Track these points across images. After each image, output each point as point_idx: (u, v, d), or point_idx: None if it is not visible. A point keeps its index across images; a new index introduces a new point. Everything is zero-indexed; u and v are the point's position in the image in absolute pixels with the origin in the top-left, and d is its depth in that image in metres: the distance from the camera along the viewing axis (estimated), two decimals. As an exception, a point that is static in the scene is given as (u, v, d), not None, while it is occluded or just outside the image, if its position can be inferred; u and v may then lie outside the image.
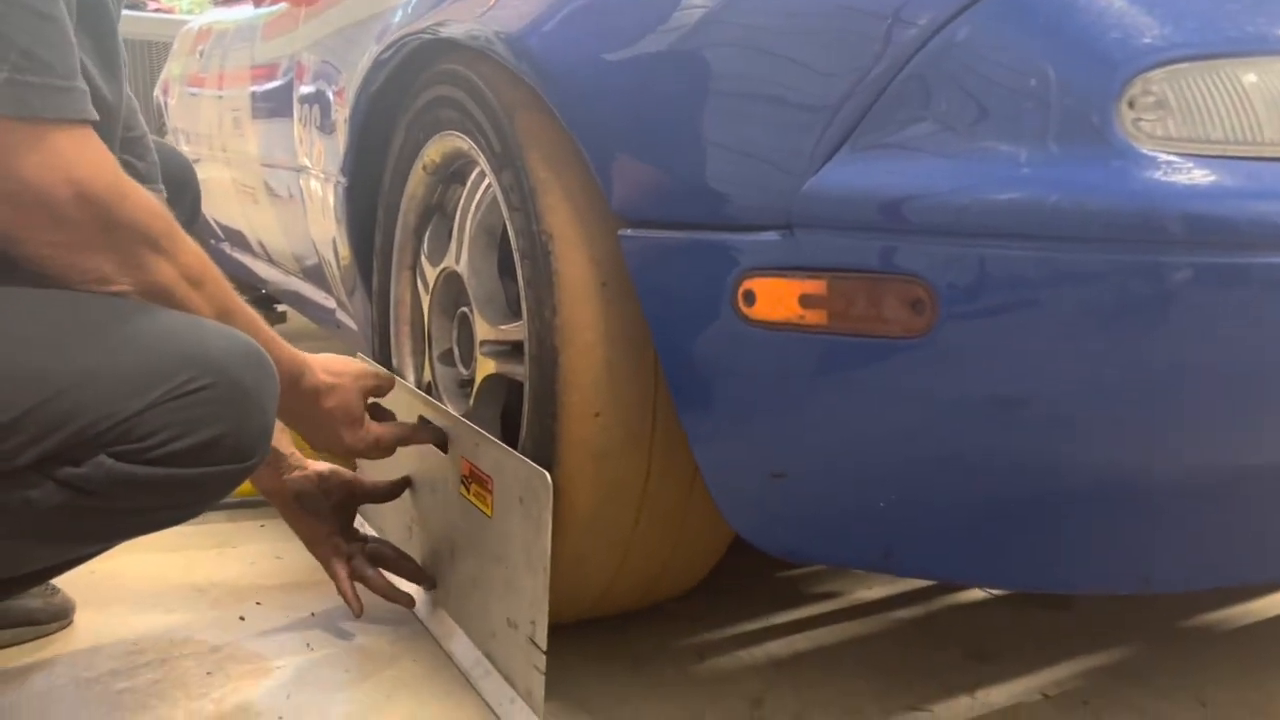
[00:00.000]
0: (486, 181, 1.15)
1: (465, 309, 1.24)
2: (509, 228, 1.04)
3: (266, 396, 0.90)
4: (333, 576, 1.20)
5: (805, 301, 0.81)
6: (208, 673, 1.11)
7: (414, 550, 1.27)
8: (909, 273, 0.76)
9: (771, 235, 0.82)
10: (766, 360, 0.85)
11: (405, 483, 1.28)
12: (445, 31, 1.14)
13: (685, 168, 0.87)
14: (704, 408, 0.90)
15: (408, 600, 1.21)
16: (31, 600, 1.19)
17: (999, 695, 1.09)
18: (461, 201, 1.20)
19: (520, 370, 1.09)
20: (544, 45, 0.97)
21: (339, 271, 1.65)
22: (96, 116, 0.85)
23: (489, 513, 1.07)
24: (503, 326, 1.13)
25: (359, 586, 1.21)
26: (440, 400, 1.29)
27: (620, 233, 0.93)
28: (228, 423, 0.86)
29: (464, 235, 1.19)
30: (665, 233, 0.90)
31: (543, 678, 0.97)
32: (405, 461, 1.29)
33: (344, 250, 1.56)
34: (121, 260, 0.86)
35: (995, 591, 1.35)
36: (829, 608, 1.30)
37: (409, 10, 1.26)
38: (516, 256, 1.03)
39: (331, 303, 1.84)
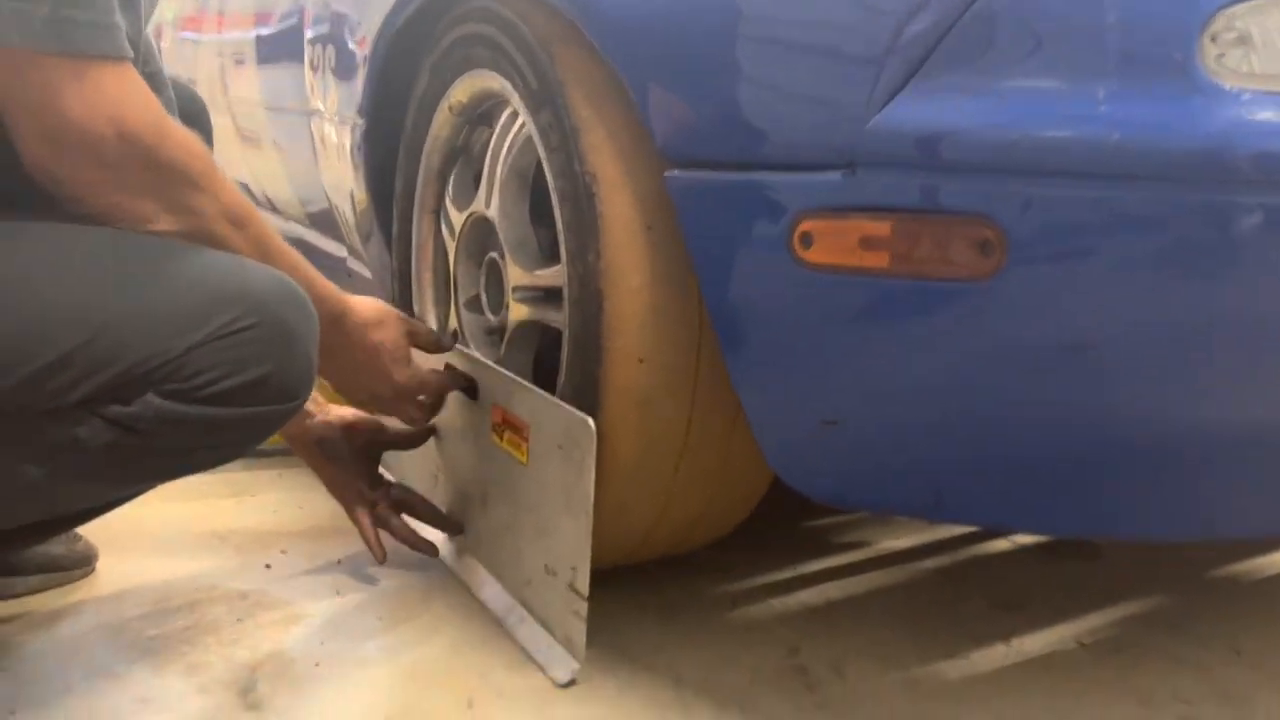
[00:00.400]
0: (520, 122, 1.13)
1: (494, 254, 1.21)
2: (547, 169, 1.02)
3: (309, 337, 0.88)
4: (356, 523, 1.19)
5: (866, 244, 0.79)
6: (238, 619, 1.10)
7: (440, 498, 1.26)
8: (978, 213, 0.74)
9: (832, 175, 0.80)
10: (822, 304, 0.83)
11: (430, 430, 1.27)
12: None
13: (739, 105, 0.85)
14: (753, 354, 0.89)
15: (431, 548, 1.21)
16: (55, 546, 1.17)
17: (1033, 644, 1.09)
18: (491, 143, 1.17)
19: (556, 316, 1.08)
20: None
21: (354, 218, 1.62)
22: (133, 54, 0.83)
23: (524, 460, 1.05)
24: (538, 272, 1.11)
25: (383, 534, 1.20)
26: (468, 347, 1.27)
27: (666, 174, 0.91)
28: (274, 362, 0.85)
29: (494, 178, 1.17)
30: (716, 174, 0.87)
31: (584, 624, 0.96)
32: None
33: (360, 195, 1.53)
34: (163, 200, 0.84)
35: (1022, 541, 1.35)
36: (857, 557, 1.30)
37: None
38: (555, 199, 1.01)
39: (342, 251, 1.81)
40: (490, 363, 1.13)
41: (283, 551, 1.28)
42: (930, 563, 1.29)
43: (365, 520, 1.18)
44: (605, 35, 0.93)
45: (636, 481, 1.00)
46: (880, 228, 0.79)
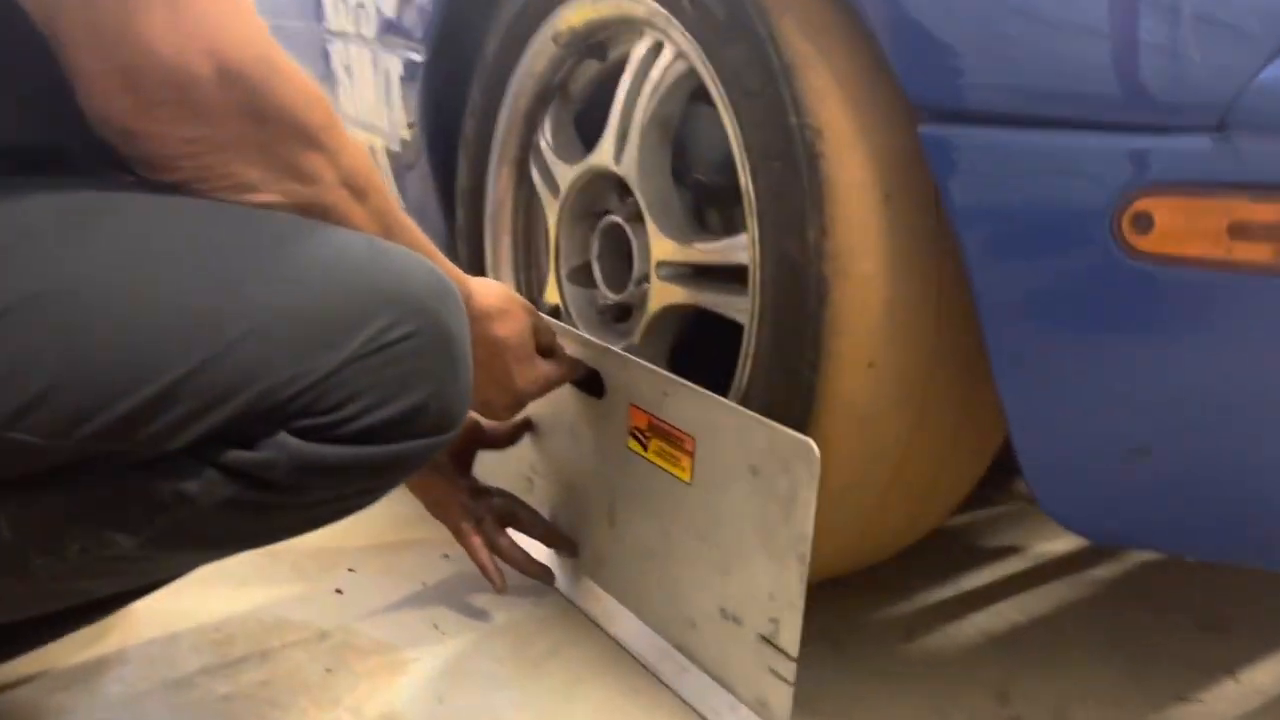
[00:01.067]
0: (665, 59, 0.91)
1: (616, 219, 1.00)
2: (733, 121, 0.81)
3: (467, 343, 0.67)
4: (466, 545, 0.98)
5: (1238, 231, 0.61)
6: (327, 669, 0.90)
7: (538, 507, 1.06)
8: None
9: (1192, 140, 0.61)
10: (1157, 308, 0.65)
11: (527, 423, 1.06)
12: None
13: (1042, 41, 0.65)
14: (1040, 367, 0.70)
15: (548, 574, 1.01)
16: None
17: (1264, 678, 0.95)
18: (627, 84, 0.95)
19: (728, 303, 0.87)
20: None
21: (386, 160, 1.38)
22: None
23: (686, 478, 0.86)
24: (699, 245, 0.90)
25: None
26: (574, 327, 1.06)
27: (922, 129, 0.71)
28: (434, 382, 0.64)
29: (629, 127, 0.95)
30: (1000, 131, 0.68)
31: (789, 689, 0.78)
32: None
33: (405, 134, 1.29)
34: (273, 162, 0.62)
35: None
36: (1019, 566, 1.14)
37: None
38: (744, 158, 0.80)
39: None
40: (627, 354, 0.93)
41: (351, 570, 1.07)
42: (1100, 571, 1.14)
43: (476, 543, 0.98)
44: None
45: (842, 506, 0.82)
46: (1262, 211, 0.60)
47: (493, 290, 0.84)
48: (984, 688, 0.91)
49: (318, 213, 0.64)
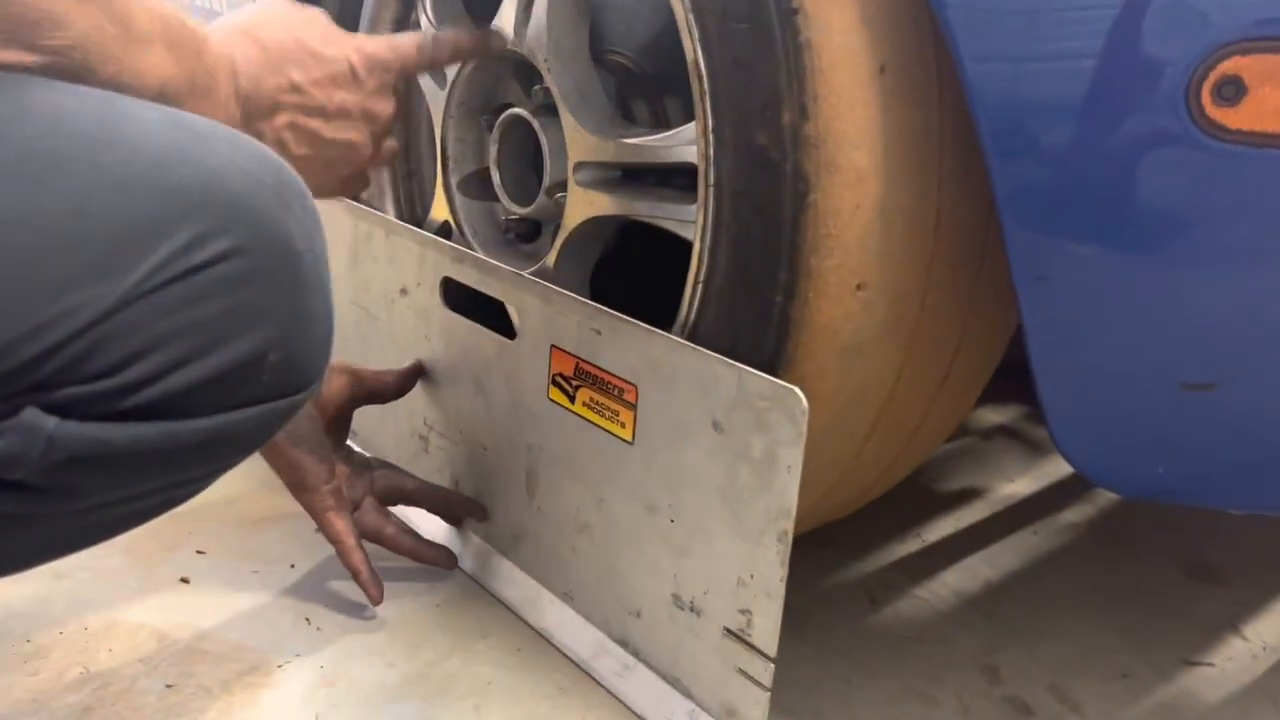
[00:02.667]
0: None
1: (520, 111, 0.81)
2: (676, -29, 0.62)
3: (322, 260, 0.48)
4: (335, 543, 0.78)
5: (1366, 101, 0.46)
6: (168, 685, 0.71)
7: (433, 468, 0.88)
8: None
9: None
10: (1244, 199, 0.50)
11: (418, 369, 0.88)
12: None
13: None
14: (1079, 284, 0.55)
15: (448, 559, 0.83)
16: None
17: (1271, 633, 0.85)
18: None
19: (668, 212, 0.69)
20: None
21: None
22: None
23: (625, 435, 0.69)
24: (630, 140, 0.71)
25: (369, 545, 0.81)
26: (471, 249, 0.87)
27: (931, -22, 0.54)
28: (273, 321, 0.45)
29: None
30: (1040, -24, 0.51)
31: (765, 695, 0.63)
32: (405, 333, 0.88)
33: None
34: None
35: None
36: (983, 512, 1.02)
37: None
38: (693, 22, 0.62)
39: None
40: (537, 279, 0.75)
41: (200, 553, 0.87)
42: (1070, 515, 1.02)
43: (349, 539, 0.78)
44: None
45: (817, 454, 0.66)
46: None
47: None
48: (968, 662, 0.78)
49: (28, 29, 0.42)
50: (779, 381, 0.58)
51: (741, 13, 0.59)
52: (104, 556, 0.85)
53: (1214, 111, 0.49)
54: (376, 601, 0.78)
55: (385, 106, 0.60)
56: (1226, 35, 0.48)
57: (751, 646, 0.63)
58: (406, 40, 0.61)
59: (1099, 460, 0.60)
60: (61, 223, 0.39)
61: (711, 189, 0.63)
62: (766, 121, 0.58)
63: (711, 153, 0.62)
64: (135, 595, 0.81)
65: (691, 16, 0.62)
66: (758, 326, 0.62)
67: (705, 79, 0.62)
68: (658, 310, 0.70)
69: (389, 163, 0.77)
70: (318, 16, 0.58)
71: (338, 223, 0.96)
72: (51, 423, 0.40)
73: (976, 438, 1.17)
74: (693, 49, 0.62)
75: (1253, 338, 0.53)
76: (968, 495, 1.05)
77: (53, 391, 0.40)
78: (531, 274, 0.79)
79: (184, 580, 0.83)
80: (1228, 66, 0.48)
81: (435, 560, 0.82)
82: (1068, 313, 0.56)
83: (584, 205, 0.75)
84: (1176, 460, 0.59)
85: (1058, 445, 0.60)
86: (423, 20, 0.87)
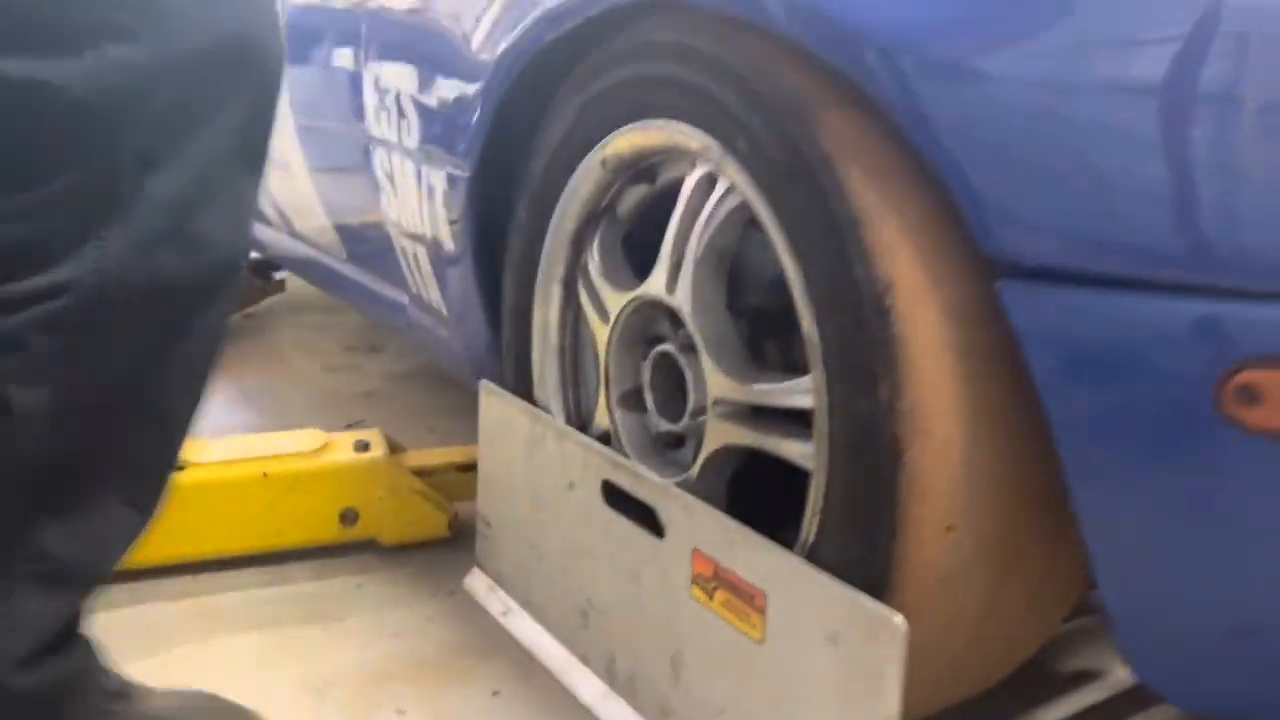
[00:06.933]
0: (721, 189, 0.88)
1: (669, 348, 0.97)
2: (793, 266, 0.78)
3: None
4: None
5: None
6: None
7: (590, 644, 1.02)
8: None
9: (1300, 312, 0.57)
10: (1266, 482, 0.60)
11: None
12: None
13: (1146, 205, 0.61)
14: (1139, 539, 0.66)
15: None
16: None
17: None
18: (679, 214, 0.92)
19: (791, 449, 0.83)
20: (887, 19, 0.70)
21: (432, 268, 1.36)
22: None
23: (756, 635, 0.82)
24: (758, 386, 0.86)
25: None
26: (625, 456, 1.03)
27: (1000, 285, 0.67)
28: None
29: (683, 257, 0.92)
30: (1090, 291, 0.64)
31: None
32: (570, 521, 1.04)
33: (451, 245, 1.27)
34: None
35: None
36: (1098, 695, 1.08)
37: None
38: (808, 308, 0.77)
39: (404, 298, 1.55)
40: (688, 495, 0.89)
41: (400, 713, 1.04)
42: (1185, 702, 1.07)
43: None
44: (917, 101, 0.68)
45: (920, 665, 0.77)
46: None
47: None
48: None
49: None
50: (883, 608, 0.70)
51: (843, 305, 0.73)
52: (323, 715, 1.02)
53: (1236, 411, 0.60)
54: None
55: None
56: (1243, 353, 0.59)
57: (862, 833, 0.73)
58: None
59: (1167, 685, 0.69)
60: None
61: (825, 438, 0.77)
62: (867, 392, 0.72)
63: (825, 407, 0.76)
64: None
65: (805, 300, 0.77)
66: (866, 555, 0.75)
67: (819, 348, 0.76)
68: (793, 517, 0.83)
69: None
70: None
71: (515, 422, 1.14)
72: None
73: (1098, 617, 1.23)
74: (808, 324, 0.77)
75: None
76: (1085, 677, 1.11)
77: None
78: (677, 483, 0.94)
79: (387, 737, 1.00)
80: (1244, 377, 0.59)
81: None
82: (1132, 571, 0.66)
83: (720, 433, 0.90)
84: (1235, 689, 0.67)
85: (1133, 668, 0.70)
86: (591, 271, 1.05)
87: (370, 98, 1.43)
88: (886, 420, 0.71)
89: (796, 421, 0.83)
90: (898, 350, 0.70)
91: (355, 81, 1.48)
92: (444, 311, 1.38)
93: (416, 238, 1.36)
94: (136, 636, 1.14)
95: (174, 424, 0.75)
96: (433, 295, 1.40)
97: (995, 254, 0.67)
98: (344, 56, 1.53)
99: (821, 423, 0.77)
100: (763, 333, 0.96)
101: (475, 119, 1.12)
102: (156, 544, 1.25)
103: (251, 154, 0.71)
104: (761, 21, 0.77)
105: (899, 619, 0.69)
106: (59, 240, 0.63)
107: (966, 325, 0.71)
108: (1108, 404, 0.64)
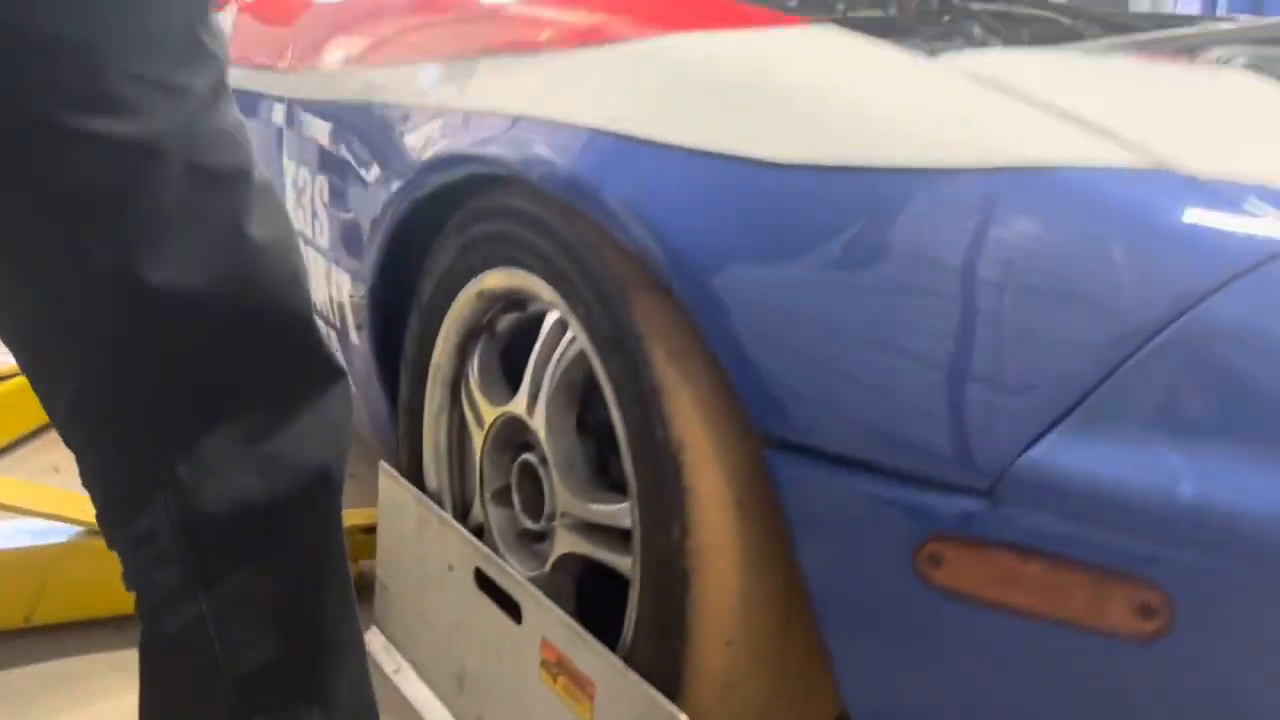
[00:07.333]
0: (570, 335, 1.04)
1: (531, 458, 1.13)
2: (617, 416, 0.94)
3: None
4: None
5: (1007, 580, 0.74)
6: None
7: (465, 707, 1.18)
8: (1138, 575, 0.69)
9: (970, 501, 0.74)
10: (949, 630, 0.78)
11: None
12: (525, 172, 1.00)
13: (869, 402, 0.78)
14: (863, 663, 0.83)
15: None
16: None
17: None
18: (537, 349, 1.08)
19: (617, 561, 1.00)
20: (684, 226, 0.86)
21: (340, 349, 1.51)
22: None
23: (588, 719, 0.98)
24: (593, 506, 1.03)
25: None
26: (496, 548, 1.18)
27: (765, 453, 0.84)
28: None
29: (540, 386, 1.08)
30: (830, 467, 0.81)
31: None
32: (450, 598, 1.19)
33: (355, 339, 1.42)
34: None
35: None
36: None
37: (458, 127, 1.11)
38: (628, 457, 0.93)
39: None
40: (541, 596, 1.05)
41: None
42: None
43: None
44: (707, 299, 0.84)
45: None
46: (1023, 568, 0.73)
47: None
48: None
49: None
50: (673, 706, 0.87)
51: (650, 457, 0.90)
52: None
53: (927, 571, 0.77)
54: None
55: None
56: (930, 529, 0.76)
57: None
58: None
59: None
60: None
61: (639, 559, 0.93)
62: (665, 531, 0.89)
63: (638, 536, 0.93)
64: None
65: (626, 447, 0.93)
66: (666, 661, 0.91)
67: (634, 488, 0.93)
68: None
69: None
70: None
71: (407, 505, 1.29)
72: None
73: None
74: (627, 465, 0.93)
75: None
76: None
77: None
78: (535, 576, 1.09)
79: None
80: (932, 547, 0.76)
81: None
82: (862, 678, 0.84)
83: (566, 541, 1.06)
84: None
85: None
86: (471, 382, 1.21)
87: (289, 187, 1.57)
88: (679, 554, 0.88)
89: (624, 539, 1.00)
90: (688, 499, 0.87)
91: (278, 166, 1.62)
92: (353, 388, 1.53)
93: (326, 320, 1.51)
94: (56, 690, 1.27)
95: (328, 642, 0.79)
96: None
97: (762, 428, 0.83)
98: (268, 138, 1.66)
99: (637, 546, 0.93)
100: (610, 449, 1.12)
101: (376, 242, 1.27)
102: (81, 598, 1.38)
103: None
104: (587, 208, 0.93)
105: (683, 718, 0.86)
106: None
107: (744, 482, 0.87)
108: (840, 558, 0.81)
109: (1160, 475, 0.68)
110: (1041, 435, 0.71)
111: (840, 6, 1.53)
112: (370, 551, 1.46)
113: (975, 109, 0.79)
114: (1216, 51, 1.09)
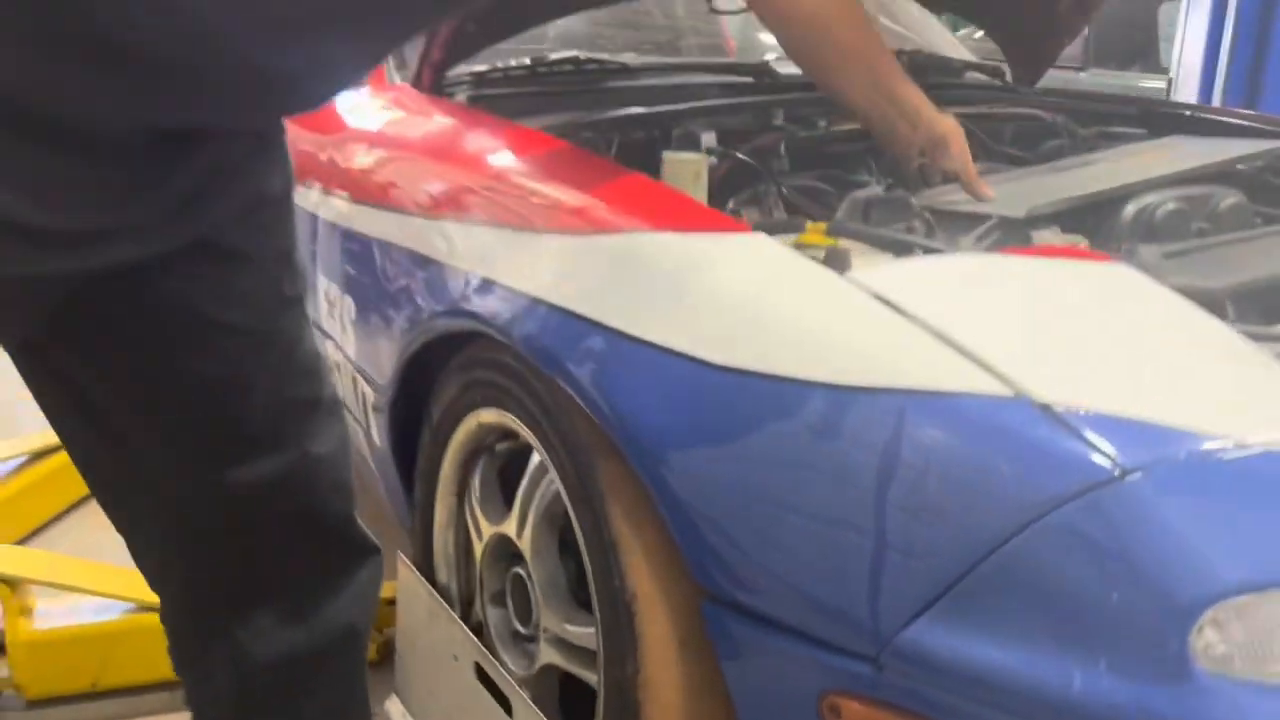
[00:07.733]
0: (550, 479, 1.19)
1: (522, 572, 1.29)
2: (587, 560, 1.09)
3: None
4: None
5: (895, 737, 0.88)
6: None
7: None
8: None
9: (861, 665, 0.89)
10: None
11: None
12: (510, 335, 1.15)
13: (783, 570, 0.92)
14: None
15: None
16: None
17: None
18: (525, 483, 1.24)
19: (588, 676, 1.15)
20: (637, 406, 1.01)
21: (365, 443, 1.67)
22: None
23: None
24: (569, 628, 1.18)
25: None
26: (493, 643, 1.34)
27: (704, 604, 0.99)
28: None
29: (527, 514, 1.24)
30: (752, 621, 0.96)
31: None
32: (454, 683, 1.35)
33: (377, 440, 1.59)
34: None
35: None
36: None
37: (462, 284, 1.27)
38: (595, 595, 1.08)
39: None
40: (521, 693, 1.21)
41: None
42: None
43: None
44: (657, 471, 0.99)
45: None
46: (910, 729, 0.87)
47: None
48: None
49: None
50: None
51: (609, 602, 1.05)
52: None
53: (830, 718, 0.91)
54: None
55: None
56: (830, 686, 0.90)
57: None
58: None
59: None
60: None
61: (602, 684, 1.09)
62: (620, 665, 1.04)
63: (601, 662, 1.08)
64: None
65: (592, 585, 1.09)
66: (624, 768, 1.07)
67: (598, 623, 1.08)
68: None
69: None
70: None
71: (420, 595, 1.46)
72: None
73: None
74: (594, 602, 1.09)
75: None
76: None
77: None
78: (524, 676, 1.25)
79: None
80: (832, 700, 0.91)
81: None
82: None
83: (546, 653, 1.22)
84: None
85: None
86: (472, 499, 1.37)
87: (322, 298, 1.74)
88: (630, 686, 1.03)
89: (594, 659, 1.15)
90: (638, 640, 1.02)
91: (313, 272, 1.79)
92: (377, 475, 1.70)
93: (354, 416, 1.68)
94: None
95: None
96: (371, 457, 1.72)
97: (700, 581, 0.99)
98: (304, 238, 1.83)
99: (600, 671, 1.09)
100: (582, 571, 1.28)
101: (393, 366, 1.44)
102: (142, 665, 1.57)
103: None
104: (559, 377, 1.08)
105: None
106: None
107: (688, 625, 1.02)
108: (761, 699, 0.96)
109: (1008, 664, 0.82)
110: (916, 616, 0.85)
111: (822, 124, 1.68)
112: (393, 619, 1.64)
113: (879, 333, 0.92)
114: (1131, 218, 1.23)
